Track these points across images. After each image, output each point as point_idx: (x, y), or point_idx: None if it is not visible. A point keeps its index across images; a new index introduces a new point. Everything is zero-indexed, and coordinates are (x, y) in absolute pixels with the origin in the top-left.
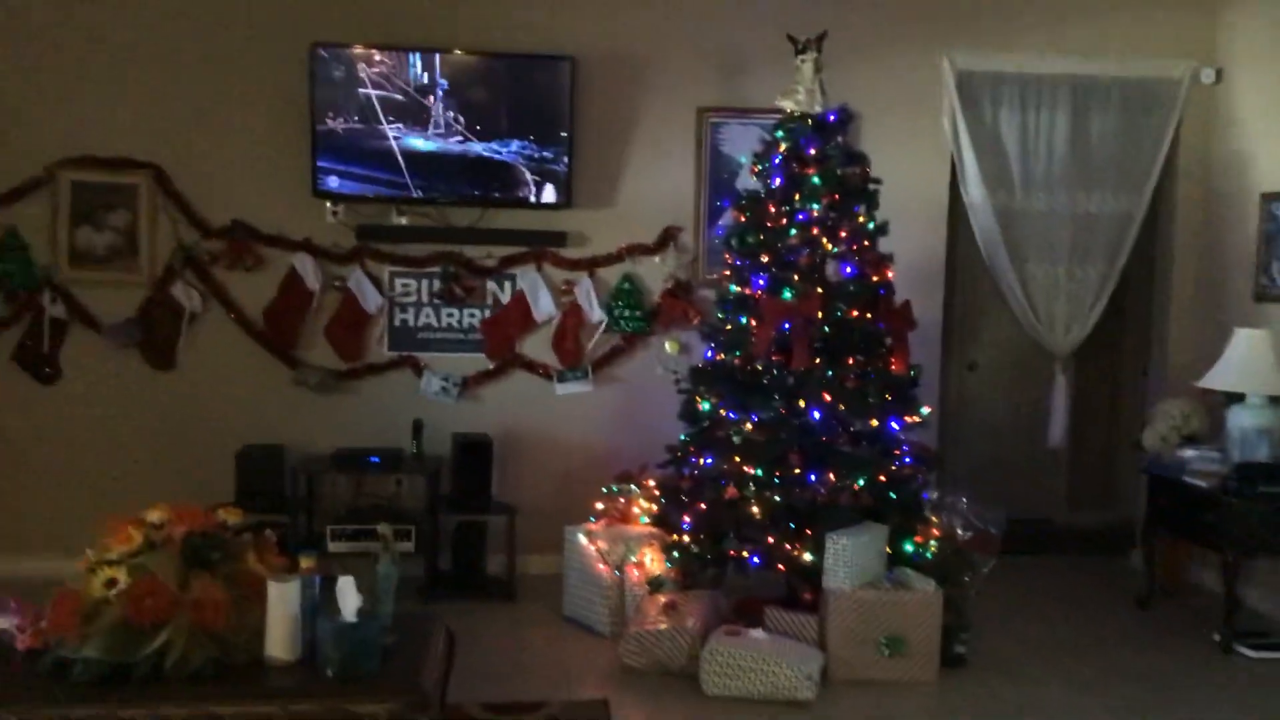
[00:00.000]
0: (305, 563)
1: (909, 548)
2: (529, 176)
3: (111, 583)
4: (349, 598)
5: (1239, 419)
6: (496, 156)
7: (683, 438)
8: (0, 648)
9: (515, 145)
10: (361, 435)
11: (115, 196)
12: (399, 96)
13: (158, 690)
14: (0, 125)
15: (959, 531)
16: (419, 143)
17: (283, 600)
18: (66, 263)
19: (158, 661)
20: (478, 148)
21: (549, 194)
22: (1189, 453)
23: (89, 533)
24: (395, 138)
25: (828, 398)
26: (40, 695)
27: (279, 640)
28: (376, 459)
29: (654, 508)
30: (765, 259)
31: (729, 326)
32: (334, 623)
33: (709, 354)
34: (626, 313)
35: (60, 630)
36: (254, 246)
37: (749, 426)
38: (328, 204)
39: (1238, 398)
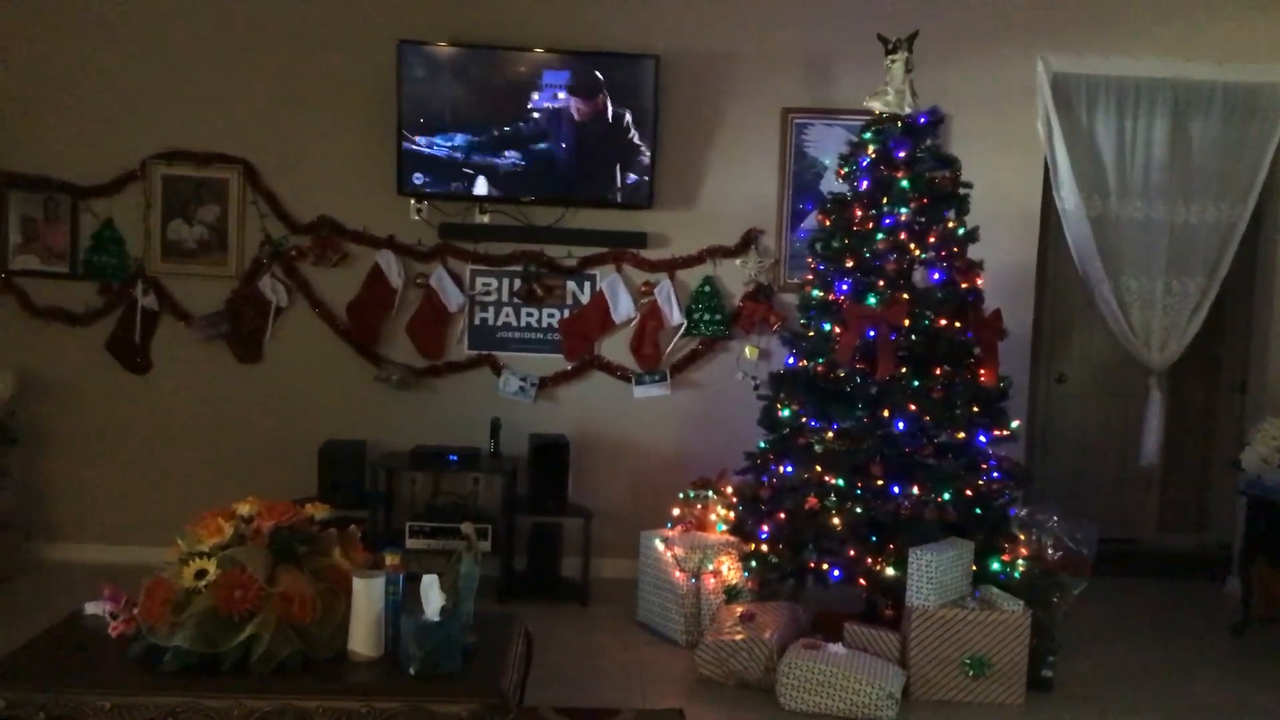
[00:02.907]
0: (390, 559)
1: (995, 566)
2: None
3: (202, 574)
4: (433, 596)
5: None
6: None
7: (762, 445)
8: (94, 634)
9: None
10: (440, 433)
11: (206, 191)
12: (482, 94)
13: (244, 682)
14: (96, 121)
15: (1048, 551)
16: (502, 141)
17: (368, 596)
18: (158, 255)
19: (244, 653)
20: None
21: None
22: None
23: (177, 521)
24: (479, 135)
25: (913, 408)
26: (132, 682)
27: (363, 636)
28: (455, 457)
29: (731, 515)
30: (850, 264)
31: (811, 332)
32: (417, 621)
33: (790, 360)
34: (706, 316)
35: (152, 619)
36: (339, 242)
37: (830, 435)
38: (412, 201)
39: None
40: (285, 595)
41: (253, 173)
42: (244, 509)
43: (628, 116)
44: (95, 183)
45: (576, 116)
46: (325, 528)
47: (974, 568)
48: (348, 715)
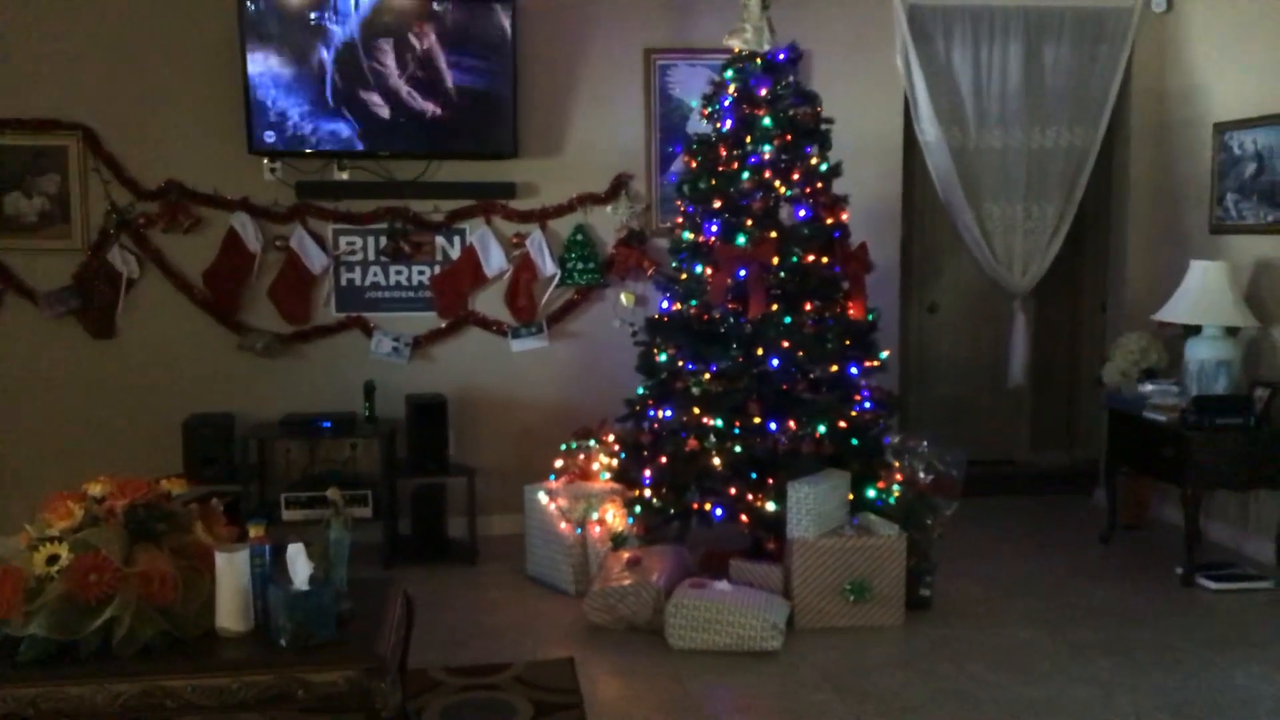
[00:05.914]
0: (254, 531)
1: (871, 493)
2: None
3: (54, 559)
4: (300, 565)
5: (1196, 351)
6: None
7: (641, 391)
8: None
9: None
10: (312, 400)
11: (44, 160)
12: (334, 46)
13: (107, 666)
14: None
15: (921, 475)
16: (357, 94)
17: (232, 570)
18: None
19: (105, 637)
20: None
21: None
22: (1148, 387)
23: (30, 508)
24: (332, 89)
25: (786, 345)
26: None
27: (230, 611)
28: (328, 424)
29: (614, 463)
30: (718, 204)
31: (684, 275)
32: (286, 591)
33: (665, 304)
34: (580, 265)
35: (4, 609)
36: (190, 207)
37: (707, 377)
38: (265, 160)
39: (1195, 330)
40: (144, 575)
41: (93, 138)
42: (95, 489)
43: (488, 63)
44: None
45: (437, 64)
46: (186, 504)
47: (851, 496)
48: (218, 692)
